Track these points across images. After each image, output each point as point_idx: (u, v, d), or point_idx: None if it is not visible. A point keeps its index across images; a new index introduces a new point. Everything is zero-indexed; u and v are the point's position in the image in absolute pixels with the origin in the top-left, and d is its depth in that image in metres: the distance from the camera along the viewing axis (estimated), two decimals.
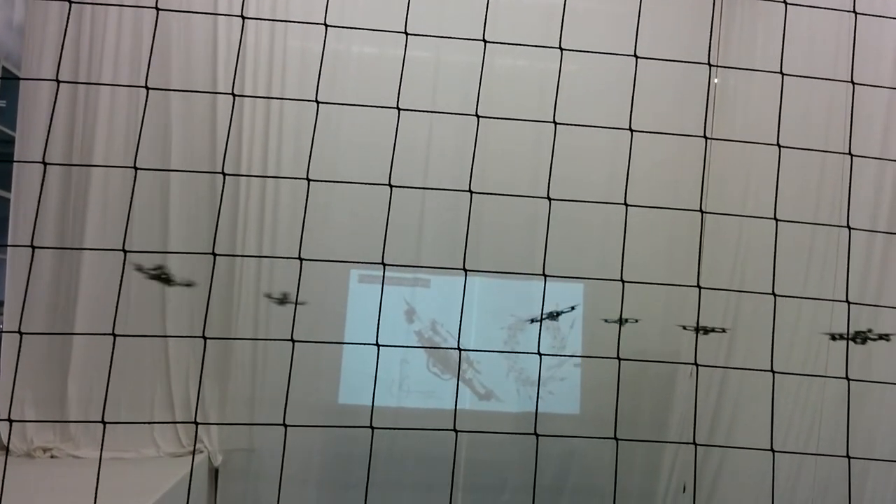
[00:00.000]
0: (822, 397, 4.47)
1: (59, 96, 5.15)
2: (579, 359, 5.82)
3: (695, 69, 5.33)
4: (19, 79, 5.32)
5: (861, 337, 3.99)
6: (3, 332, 5.05)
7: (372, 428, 2.13)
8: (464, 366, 5.77)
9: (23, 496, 4.04)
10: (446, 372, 5.78)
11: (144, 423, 5.20)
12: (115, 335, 2.10)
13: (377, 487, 5.37)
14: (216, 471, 5.44)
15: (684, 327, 5.44)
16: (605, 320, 5.42)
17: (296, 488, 5.47)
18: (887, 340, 3.96)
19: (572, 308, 5.64)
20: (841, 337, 4.06)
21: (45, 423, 5.09)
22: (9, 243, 5.15)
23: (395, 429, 5.57)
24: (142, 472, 4.72)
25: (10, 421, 4.67)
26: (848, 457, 2.32)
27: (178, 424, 5.28)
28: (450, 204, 5.50)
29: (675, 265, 5.51)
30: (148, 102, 5.23)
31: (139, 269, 5.00)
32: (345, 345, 5.63)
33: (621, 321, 2.28)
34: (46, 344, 5.16)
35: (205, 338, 2.33)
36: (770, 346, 2.33)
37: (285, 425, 2.07)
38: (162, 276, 5.05)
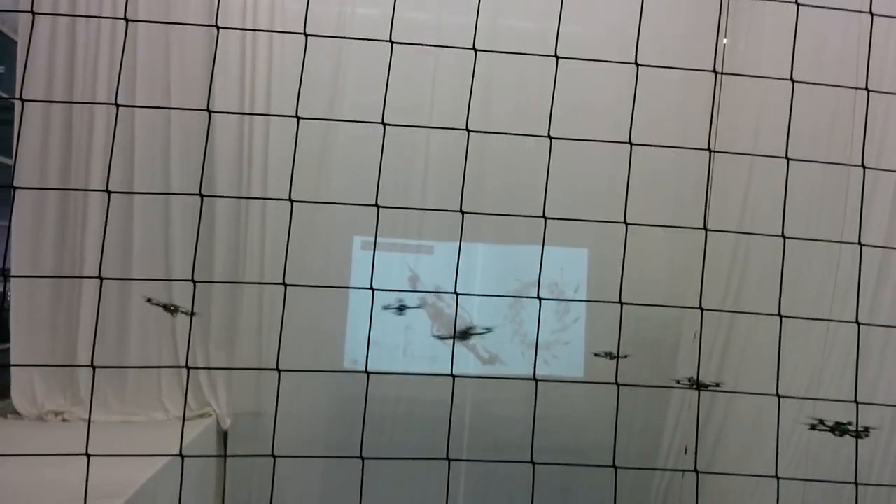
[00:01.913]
0: (832, 343, 4.45)
1: (56, 63, 5.14)
2: (583, 322, 5.84)
3: None
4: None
5: None
6: (11, 275, 5.11)
7: (367, 373, 2.15)
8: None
9: (37, 458, 4.11)
10: (450, 337, 5.82)
11: (130, 367, 5.25)
12: (101, 278, 2.11)
13: (381, 452, 5.44)
14: (225, 434, 5.53)
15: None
16: (596, 354, 5.41)
17: (301, 451, 5.55)
18: None
19: (487, 330, 5.64)
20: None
21: (55, 388, 5.16)
22: (12, 213, 5.15)
23: (392, 373, 5.61)
24: (151, 435, 4.80)
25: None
26: (856, 402, 2.33)
27: (187, 389, 5.35)
28: (455, 172, 5.49)
29: (681, 216, 5.45)
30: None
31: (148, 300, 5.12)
32: (349, 311, 5.67)
33: (623, 265, 2.28)
34: (54, 312, 5.21)
35: (194, 281, 2.33)
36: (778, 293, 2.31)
37: (278, 370, 2.09)
38: (170, 308, 5.13)
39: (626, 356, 5.40)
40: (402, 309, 5.44)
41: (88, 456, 1.59)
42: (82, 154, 5.20)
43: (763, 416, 4.74)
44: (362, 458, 1.70)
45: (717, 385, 5.15)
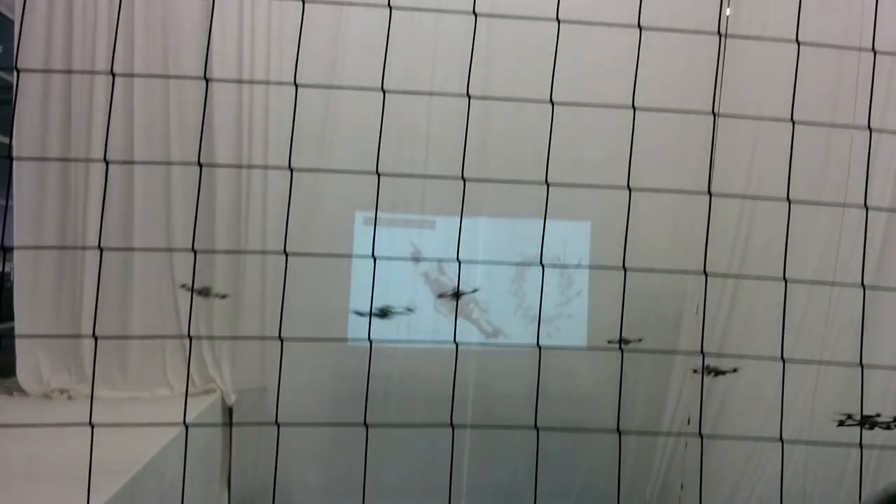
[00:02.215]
0: (837, 304, 4.45)
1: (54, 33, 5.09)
2: (586, 295, 5.84)
3: None
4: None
5: None
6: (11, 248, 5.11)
7: (370, 340, 2.14)
8: (470, 305, 5.81)
9: (43, 435, 4.13)
10: (453, 311, 5.81)
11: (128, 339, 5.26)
12: (101, 248, 2.10)
13: (386, 428, 5.46)
14: (230, 410, 5.56)
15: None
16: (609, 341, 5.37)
17: (305, 427, 5.58)
18: None
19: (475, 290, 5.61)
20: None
21: (60, 365, 5.18)
22: (11, 188, 5.13)
23: (395, 341, 5.62)
24: (156, 411, 4.82)
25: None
26: (861, 365, 2.33)
27: (190, 366, 5.36)
28: (456, 149, 5.46)
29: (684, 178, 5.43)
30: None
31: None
32: (352, 286, 5.67)
33: (627, 232, 2.26)
34: (58, 287, 5.21)
35: (194, 251, 2.32)
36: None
37: (281, 339, 2.08)
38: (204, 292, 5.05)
39: (640, 339, 5.45)
40: (385, 314, 5.34)
41: (92, 426, 1.59)
42: (82, 126, 5.16)
43: (764, 389, 4.75)
44: (366, 426, 1.70)
45: (735, 371, 5.12)
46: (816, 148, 4.62)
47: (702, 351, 2.63)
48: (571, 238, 5.81)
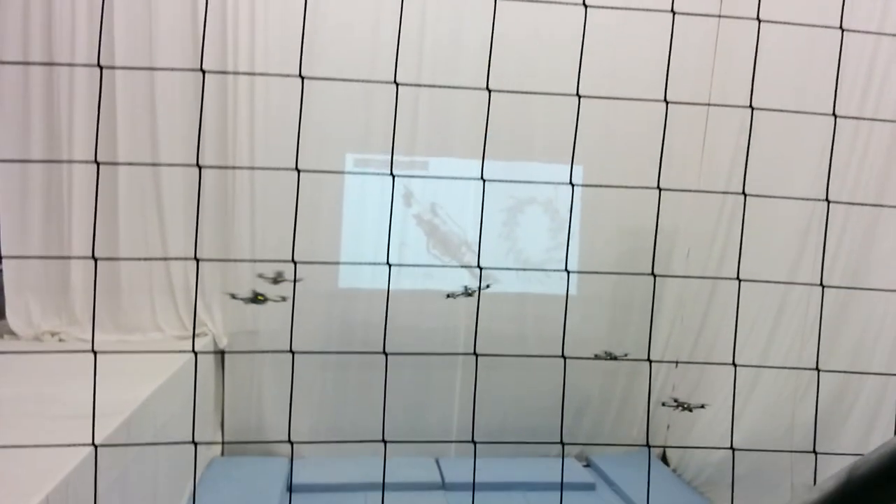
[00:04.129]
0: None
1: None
2: (577, 239, 5.84)
3: None
4: None
5: None
6: None
7: (388, 264, 2.13)
8: (462, 249, 5.80)
9: (36, 378, 4.15)
10: (446, 254, 5.81)
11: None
12: (97, 162, 2.06)
13: (377, 366, 5.49)
14: (222, 353, 5.58)
15: None
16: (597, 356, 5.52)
17: (298, 368, 5.61)
18: None
19: (488, 286, 5.51)
20: None
21: (50, 309, 5.16)
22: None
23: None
24: (150, 355, 4.82)
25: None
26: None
27: (178, 309, 5.35)
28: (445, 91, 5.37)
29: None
30: None
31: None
32: (343, 231, 5.64)
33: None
34: (46, 233, 5.15)
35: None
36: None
37: (293, 260, 2.07)
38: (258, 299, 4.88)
39: (626, 355, 5.54)
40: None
41: (95, 353, 1.57)
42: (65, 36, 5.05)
43: (756, 324, 4.80)
44: (386, 355, 1.70)
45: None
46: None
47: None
48: (564, 178, 5.75)
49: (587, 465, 5.97)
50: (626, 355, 5.68)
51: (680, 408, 5.36)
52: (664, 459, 5.97)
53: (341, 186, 5.62)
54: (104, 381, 1.81)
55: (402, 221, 5.68)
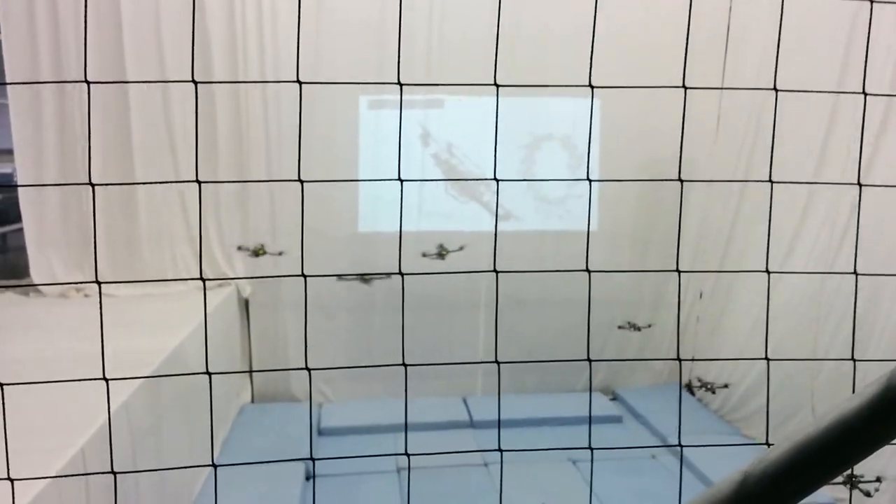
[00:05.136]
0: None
1: None
2: (596, 174, 5.73)
3: None
4: None
5: None
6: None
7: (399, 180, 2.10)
8: (481, 188, 5.72)
9: (66, 332, 4.20)
10: (464, 194, 5.74)
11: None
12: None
13: (398, 311, 5.49)
14: (246, 302, 5.62)
15: None
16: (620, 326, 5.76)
17: (322, 314, 5.64)
18: None
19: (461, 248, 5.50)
20: None
21: (72, 265, 5.19)
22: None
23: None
24: (175, 305, 4.85)
25: None
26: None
27: (201, 259, 5.38)
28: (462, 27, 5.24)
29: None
30: None
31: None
32: (360, 174, 5.59)
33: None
34: (62, 188, 5.14)
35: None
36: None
37: (301, 184, 2.04)
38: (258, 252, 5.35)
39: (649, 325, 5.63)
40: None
41: (99, 283, 1.56)
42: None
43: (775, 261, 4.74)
44: (402, 274, 1.68)
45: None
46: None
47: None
48: (581, 117, 5.61)
49: (614, 399, 6.01)
50: (649, 326, 5.81)
51: (704, 388, 5.49)
52: (689, 390, 5.98)
53: (356, 127, 5.55)
54: (132, 333, 1.81)
55: (419, 162, 5.62)
